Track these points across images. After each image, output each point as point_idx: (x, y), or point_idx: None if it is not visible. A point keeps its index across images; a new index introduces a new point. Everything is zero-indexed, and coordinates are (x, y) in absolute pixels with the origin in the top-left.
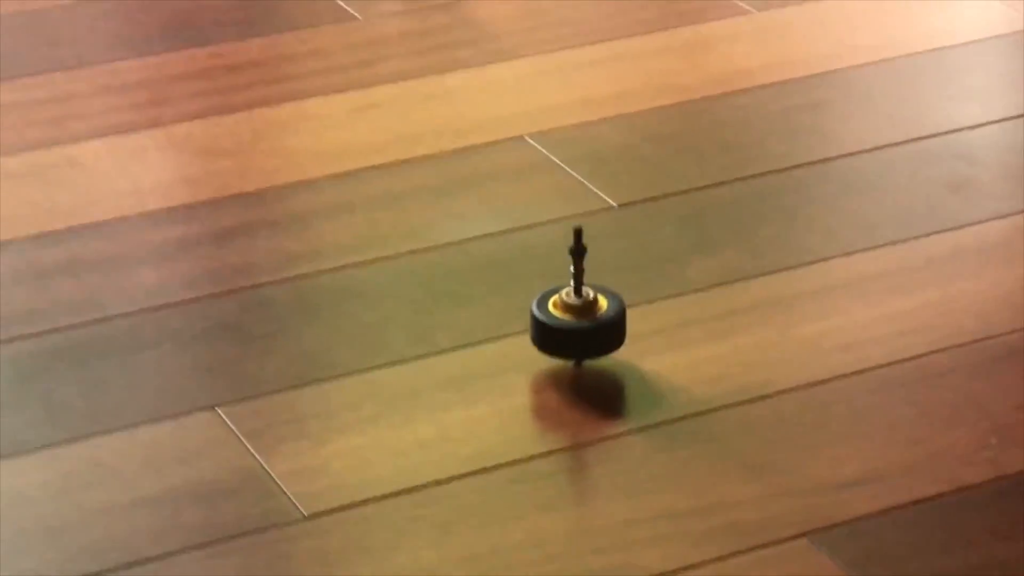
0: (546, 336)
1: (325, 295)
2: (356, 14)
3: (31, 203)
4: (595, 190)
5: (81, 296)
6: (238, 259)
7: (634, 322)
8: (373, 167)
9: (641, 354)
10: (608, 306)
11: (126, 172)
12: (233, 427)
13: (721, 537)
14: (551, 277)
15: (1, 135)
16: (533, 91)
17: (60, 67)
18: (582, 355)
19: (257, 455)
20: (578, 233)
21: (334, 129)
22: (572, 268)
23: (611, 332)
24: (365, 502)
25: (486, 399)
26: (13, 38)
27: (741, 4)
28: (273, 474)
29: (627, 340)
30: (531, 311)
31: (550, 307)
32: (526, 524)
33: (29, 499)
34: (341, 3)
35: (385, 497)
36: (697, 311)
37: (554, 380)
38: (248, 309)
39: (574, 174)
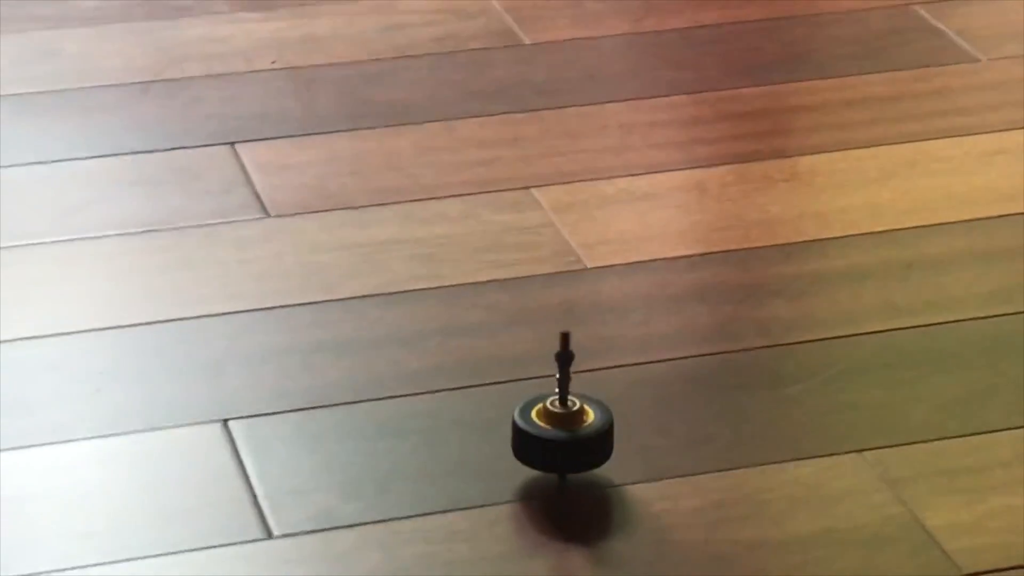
0: (524, 446)
1: (963, 346)
2: (979, 55)
3: (662, 223)
4: None
5: (716, 322)
6: (875, 298)
7: None
8: (1006, 216)
9: None
10: (594, 418)
11: (753, 203)
12: (879, 472)
13: None
14: None
15: (628, 155)
16: None
17: (683, 91)
18: (564, 469)
19: (907, 503)
20: (565, 337)
21: (962, 173)
22: (557, 375)
23: (595, 445)
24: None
25: None
26: (635, 58)
27: None
28: (927, 526)
29: None
30: (512, 419)
31: (533, 415)
32: None
33: (686, 526)
34: (963, 43)
35: None
36: None
37: None
38: (886, 350)
39: None
